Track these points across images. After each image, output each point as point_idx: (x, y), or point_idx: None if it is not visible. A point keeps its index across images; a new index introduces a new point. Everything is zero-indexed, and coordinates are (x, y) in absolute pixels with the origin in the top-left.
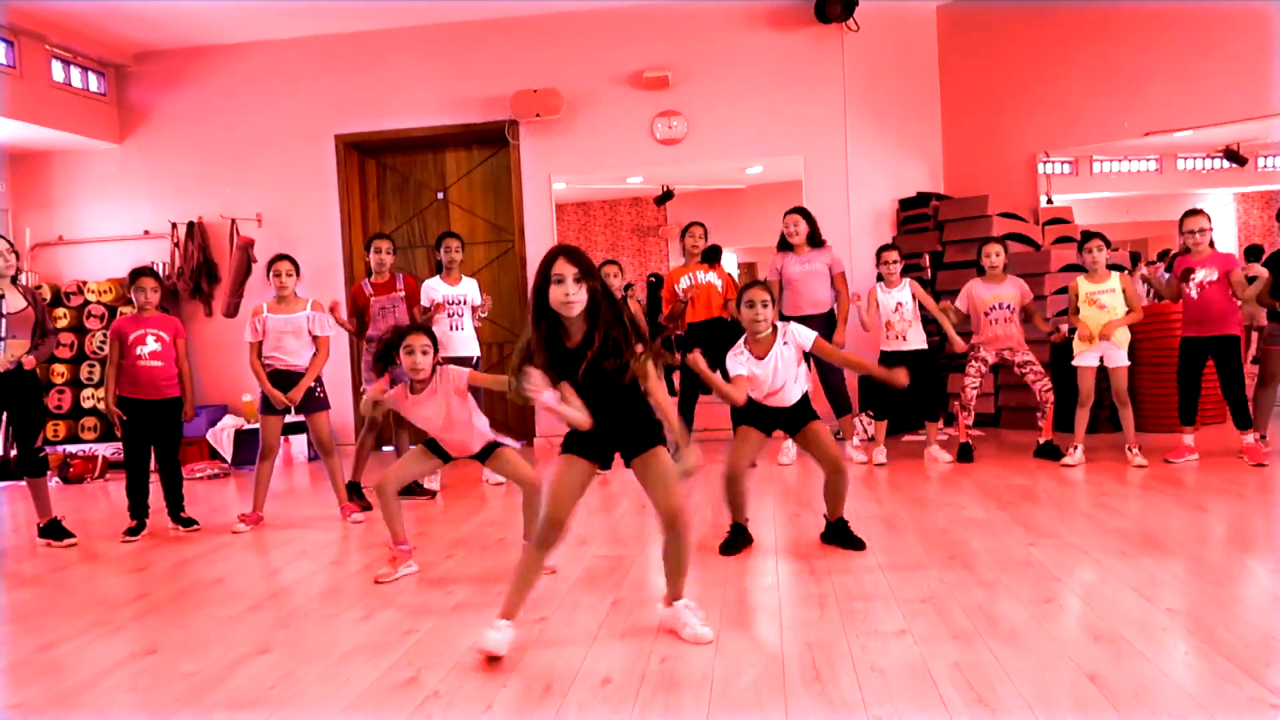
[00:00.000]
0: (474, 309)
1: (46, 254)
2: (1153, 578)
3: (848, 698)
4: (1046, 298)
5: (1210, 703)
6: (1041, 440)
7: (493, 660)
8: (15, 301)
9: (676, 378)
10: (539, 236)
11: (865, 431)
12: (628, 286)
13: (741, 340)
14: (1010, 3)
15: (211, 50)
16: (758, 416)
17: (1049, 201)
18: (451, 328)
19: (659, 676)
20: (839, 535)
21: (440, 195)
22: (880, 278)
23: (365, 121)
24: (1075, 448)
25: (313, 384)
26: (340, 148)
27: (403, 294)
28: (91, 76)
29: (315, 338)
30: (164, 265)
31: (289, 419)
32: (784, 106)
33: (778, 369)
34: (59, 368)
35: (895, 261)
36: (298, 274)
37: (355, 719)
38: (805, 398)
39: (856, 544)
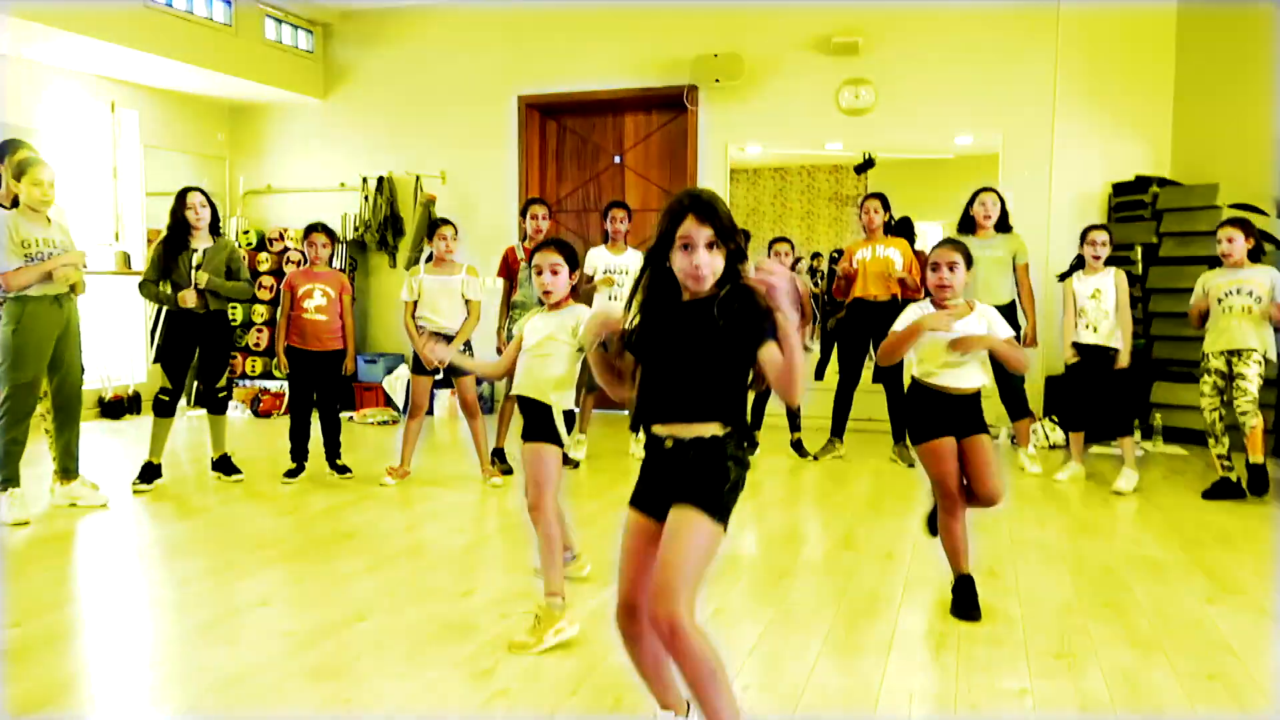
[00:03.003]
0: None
1: (257, 201)
2: None
3: None
4: None
5: None
6: (1249, 461)
7: None
8: (198, 257)
9: None
10: None
11: (1047, 438)
12: (796, 261)
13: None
14: None
15: (408, 11)
16: (930, 419)
17: None
18: (611, 298)
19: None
20: (963, 593)
21: (617, 159)
22: (1080, 261)
23: (547, 83)
24: None
25: (462, 347)
26: (522, 108)
27: None
28: (301, 34)
29: (468, 301)
30: (354, 217)
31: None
32: (984, 77)
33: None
34: (259, 309)
35: (1102, 244)
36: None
37: (419, 708)
38: (978, 399)
39: (970, 610)
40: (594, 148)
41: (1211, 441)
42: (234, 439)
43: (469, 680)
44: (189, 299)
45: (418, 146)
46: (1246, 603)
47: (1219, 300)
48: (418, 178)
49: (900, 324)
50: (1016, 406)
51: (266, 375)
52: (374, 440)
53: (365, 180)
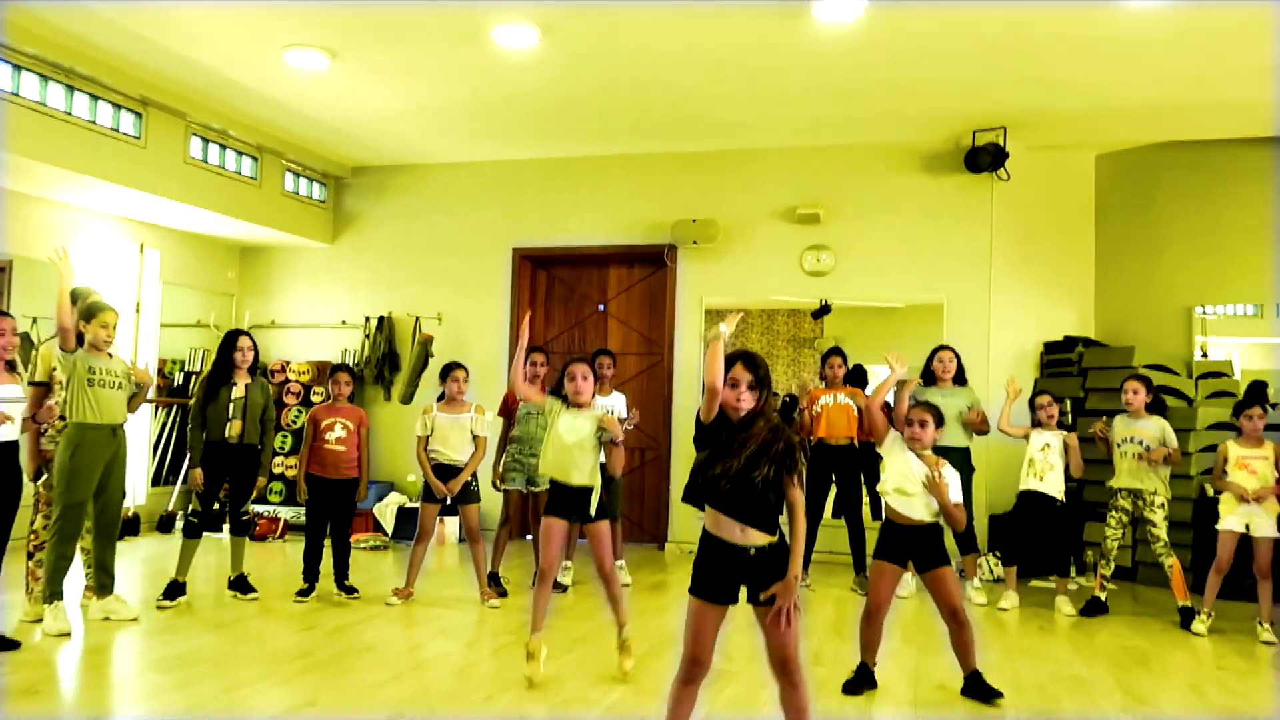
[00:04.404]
0: (620, 420)
1: (260, 335)
2: None
3: None
4: (1191, 455)
5: None
6: (1178, 605)
7: None
8: (238, 391)
9: None
10: (688, 352)
11: (991, 572)
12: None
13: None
14: (1173, 152)
15: (414, 168)
16: (892, 548)
17: (1204, 355)
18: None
19: None
20: (975, 688)
21: (601, 307)
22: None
23: (540, 237)
24: (1207, 614)
25: (469, 479)
26: (516, 259)
27: None
28: (315, 186)
29: (475, 437)
30: (354, 353)
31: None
32: (929, 247)
33: (911, 477)
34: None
35: (1049, 404)
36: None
37: None
38: (940, 534)
39: (991, 694)
40: (580, 296)
41: (1102, 563)
42: (227, 563)
43: None
44: (197, 479)
45: (417, 289)
46: (1154, 713)
47: (1118, 445)
48: (417, 319)
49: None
50: (965, 543)
51: (261, 499)
52: (364, 564)
53: (368, 319)
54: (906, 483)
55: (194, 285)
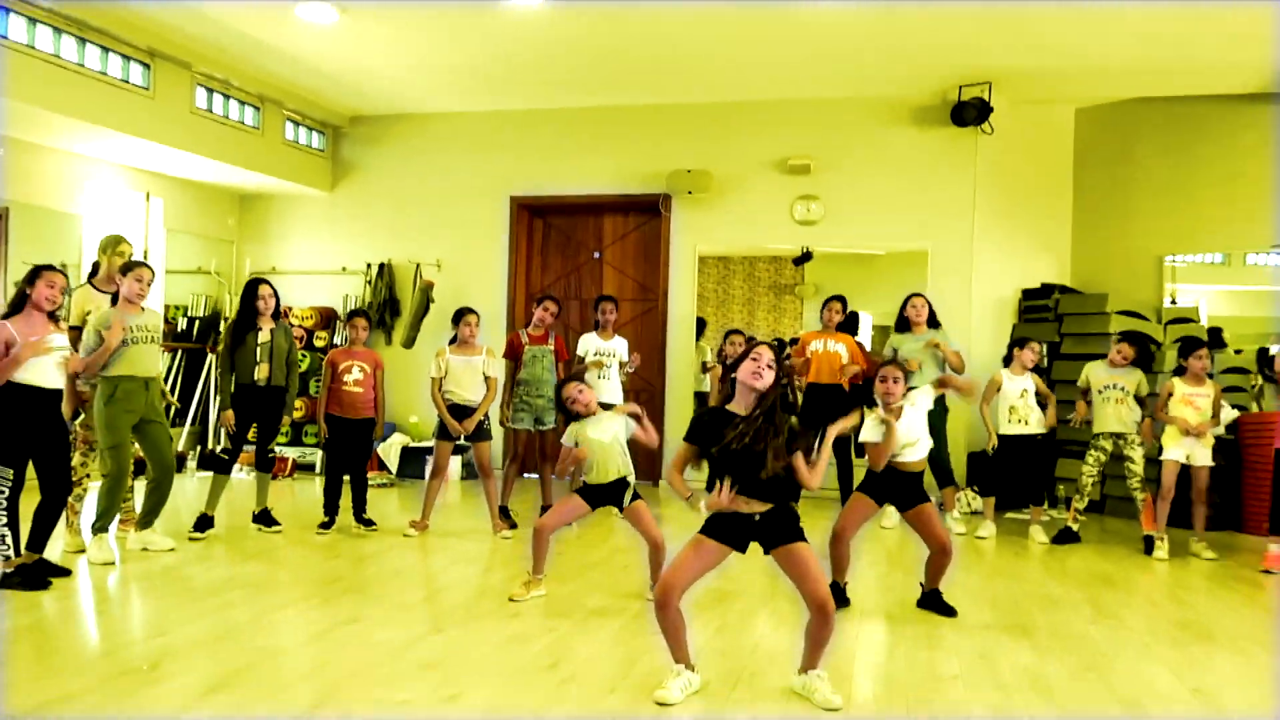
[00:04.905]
0: (622, 364)
1: None
2: (1192, 662)
3: None
4: (1158, 396)
5: None
6: (1143, 534)
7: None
8: (264, 336)
9: None
10: (682, 299)
11: (969, 505)
12: (785, 354)
13: (873, 412)
14: (1149, 107)
15: (411, 117)
16: (878, 488)
17: (1173, 302)
18: (599, 377)
19: (748, 674)
20: (933, 602)
21: (597, 255)
22: (1007, 362)
23: (537, 186)
24: (1162, 539)
25: (481, 417)
26: (514, 207)
27: (553, 349)
28: (315, 135)
29: (486, 378)
30: (355, 299)
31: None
32: (915, 198)
33: (910, 427)
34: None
35: (1035, 352)
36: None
37: (511, 690)
38: (921, 477)
39: (948, 611)
40: (576, 244)
41: (1076, 498)
42: (244, 498)
43: (541, 672)
44: (229, 420)
45: (417, 237)
46: (1119, 625)
47: (1099, 391)
48: (417, 265)
49: (868, 435)
50: (943, 477)
51: None
52: (374, 501)
53: (369, 266)
54: (906, 435)
55: (195, 233)
